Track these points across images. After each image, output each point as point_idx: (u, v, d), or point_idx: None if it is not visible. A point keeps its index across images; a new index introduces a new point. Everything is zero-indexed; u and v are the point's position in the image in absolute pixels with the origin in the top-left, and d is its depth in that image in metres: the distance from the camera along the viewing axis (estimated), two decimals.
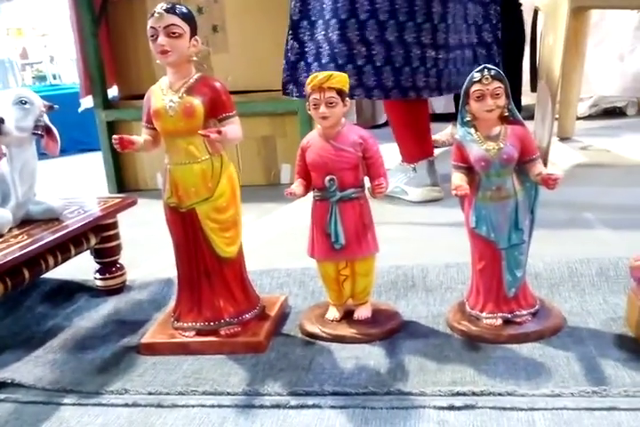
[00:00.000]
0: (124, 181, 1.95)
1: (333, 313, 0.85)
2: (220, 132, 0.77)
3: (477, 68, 0.77)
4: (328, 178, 0.81)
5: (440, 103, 2.54)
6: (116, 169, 1.93)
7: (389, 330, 0.82)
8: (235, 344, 0.80)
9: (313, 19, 1.43)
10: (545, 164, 1.67)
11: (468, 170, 0.80)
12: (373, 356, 0.76)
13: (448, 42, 1.42)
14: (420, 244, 1.18)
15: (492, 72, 0.76)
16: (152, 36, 0.79)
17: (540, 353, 0.74)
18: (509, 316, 0.79)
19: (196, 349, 0.81)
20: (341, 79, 0.80)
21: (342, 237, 0.81)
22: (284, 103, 1.74)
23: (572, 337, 0.77)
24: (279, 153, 1.84)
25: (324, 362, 0.76)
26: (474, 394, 0.66)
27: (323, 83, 0.79)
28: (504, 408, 0.64)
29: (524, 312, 0.80)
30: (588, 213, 1.29)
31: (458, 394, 0.66)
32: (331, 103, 0.79)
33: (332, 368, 0.74)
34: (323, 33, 1.41)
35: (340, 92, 0.80)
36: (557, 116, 2.09)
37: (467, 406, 0.65)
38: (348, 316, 0.86)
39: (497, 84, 0.75)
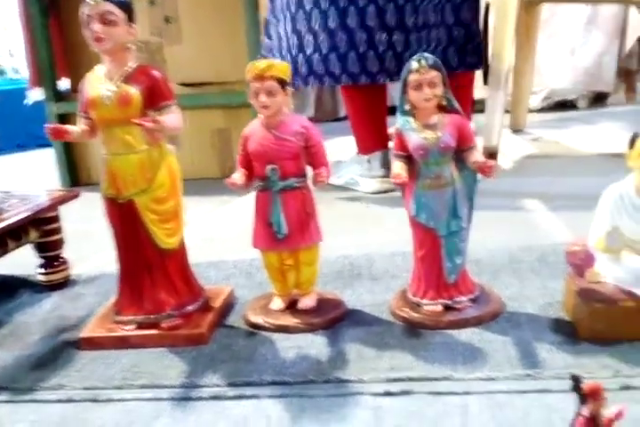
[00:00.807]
0: (77, 175, 1.91)
1: (278, 303, 0.85)
2: (156, 122, 0.75)
3: (414, 57, 0.77)
4: (270, 167, 0.80)
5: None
6: (68, 163, 1.88)
7: (333, 319, 0.82)
8: (176, 337, 0.79)
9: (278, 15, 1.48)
10: (496, 155, 1.70)
11: (408, 159, 0.80)
12: (315, 345, 0.77)
13: (405, 23, 1.40)
14: (371, 234, 1.19)
15: (430, 61, 0.76)
16: (87, 23, 0.77)
17: (479, 338, 0.75)
18: (449, 302, 0.81)
19: (136, 342, 0.80)
20: (282, 68, 0.80)
21: (285, 227, 0.81)
22: (239, 95, 1.71)
23: (510, 322, 0.79)
24: (234, 145, 1.83)
25: (265, 352, 0.75)
26: (410, 380, 0.67)
27: (263, 72, 0.78)
28: (439, 393, 0.65)
29: (464, 298, 0.81)
30: (534, 202, 1.32)
31: (394, 380, 0.67)
32: (271, 92, 0.78)
33: (274, 358, 0.74)
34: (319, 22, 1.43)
35: (280, 81, 0.79)
36: (510, 108, 2.14)
37: (403, 392, 0.65)
38: (293, 306, 0.85)
39: (434, 73, 0.76)
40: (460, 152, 0.79)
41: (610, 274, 0.74)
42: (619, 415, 0.49)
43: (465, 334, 0.76)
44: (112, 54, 0.78)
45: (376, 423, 0.61)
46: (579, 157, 1.72)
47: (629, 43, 2.52)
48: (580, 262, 0.78)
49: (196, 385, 0.69)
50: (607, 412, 0.49)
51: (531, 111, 2.45)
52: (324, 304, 0.85)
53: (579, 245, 0.78)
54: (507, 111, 2.15)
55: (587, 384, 0.47)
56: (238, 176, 0.81)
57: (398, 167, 0.79)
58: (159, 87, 0.79)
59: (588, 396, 0.47)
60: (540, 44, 2.23)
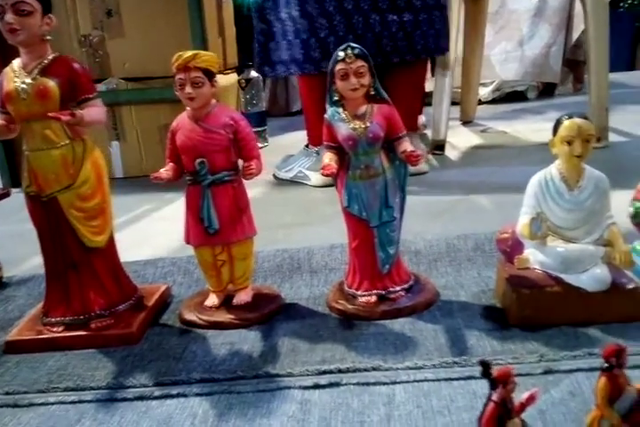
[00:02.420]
0: (18, 175, 1.85)
1: (212, 300, 0.84)
2: (73, 115, 0.73)
3: (341, 47, 0.76)
4: (198, 161, 0.78)
5: None
6: (8, 162, 1.82)
7: (268, 313, 0.81)
8: (106, 337, 0.77)
9: None
10: (443, 147, 1.72)
11: (339, 150, 0.79)
12: (248, 340, 0.75)
13: (362, 7, 1.40)
14: (316, 227, 1.18)
15: (356, 51, 0.75)
16: (0, 14, 0.74)
17: (411, 327, 0.75)
18: (384, 292, 0.80)
19: (65, 344, 0.77)
20: (208, 58, 0.78)
21: (216, 222, 0.79)
22: None
23: (443, 311, 0.79)
24: None
25: (196, 350, 0.74)
26: (340, 371, 0.67)
27: (188, 62, 0.76)
28: (367, 383, 0.64)
29: (398, 288, 0.81)
30: (477, 192, 1.33)
31: (324, 372, 0.67)
32: (197, 83, 0.77)
33: (204, 356, 0.72)
34: (286, 11, 1.42)
35: (206, 72, 0.77)
36: (459, 100, 2.16)
37: (331, 384, 0.65)
38: (229, 302, 0.84)
39: (360, 62, 0.75)
40: (389, 142, 0.79)
41: (536, 260, 0.75)
42: (530, 400, 0.49)
43: (398, 324, 0.76)
44: (28, 46, 0.75)
45: (302, 417, 0.60)
46: (524, 146, 1.75)
47: (576, 34, 2.57)
48: (509, 249, 0.78)
49: (121, 386, 0.67)
50: (520, 396, 0.49)
51: (481, 103, 2.48)
52: (260, 299, 0.84)
53: (507, 233, 0.79)
54: (456, 103, 2.18)
55: (496, 369, 0.48)
56: (165, 170, 0.79)
57: (328, 158, 0.78)
58: (79, 79, 0.77)
59: (497, 381, 0.47)
60: (489, 37, 2.26)
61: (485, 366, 0.47)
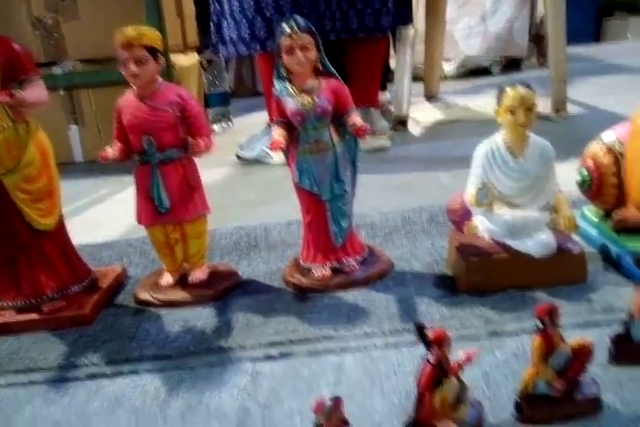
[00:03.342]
0: None
1: (167, 279, 0.83)
2: (12, 96, 0.71)
3: (286, 21, 0.76)
4: (145, 139, 0.77)
5: None
6: None
7: (223, 290, 0.81)
8: (59, 320, 0.77)
9: None
10: (405, 122, 1.72)
11: (289, 125, 0.79)
12: (202, 317, 0.76)
13: None
14: (277, 205, 1.18)
15: (301, 25, 0.75)
16: None
17: (364, 298, 0.76)
18: (338, 265, 0.81)
19: (17, 328, 0.76)
20: (151, 36, 0.77)
21: (166, 201, 0.79)
22: None
23: (396, 281, 0.80)
24: None
25: (150, 328, 0.74)
26: (291, 342, 0.67)
27: (131, 39, 0.75)
28: (318, 353, 0.65)
29: (352, 261, 0.82)
30: (437, 165, 1.34)
31: (275, 344, 0.67)
32: (141, 61, 0.75)
33: (158, 334, 0.73)
34: None
35: (150, 50, 0.76)
36: (423, 76, 2.16)
37: (282, 355, 0.65)
38: (185, 280, 0.84)
39: (306, 37, 0.75)
40: (338, 116, 0.78)
41: (484, 228, 0.76)
42: (467, 360, 0.50)
43: (352, 295, 0.77)
44: None
45: (253, 388, 0.61)
46: (486, 120, 1.75)
47: (541, 8, 2.58)
48: (459, 219, 0.79)
49: (73, 366, 0.67)
50: (456, 357, 0.50)
51: (446, 78, 2.49)
52: (215, 276, 0.84)
53: (457, 202, 0.80)
54: (420, 79, 2.18)
55: (431, 331, 0.49)
56: (111, 149, 0.78)
57: (277, 134, 0.78)
58: (19, 59, 0.75)
59: (432, 342, 0.48)
60: (451, 12, 2.26)
61: (420, 329, 0.48)
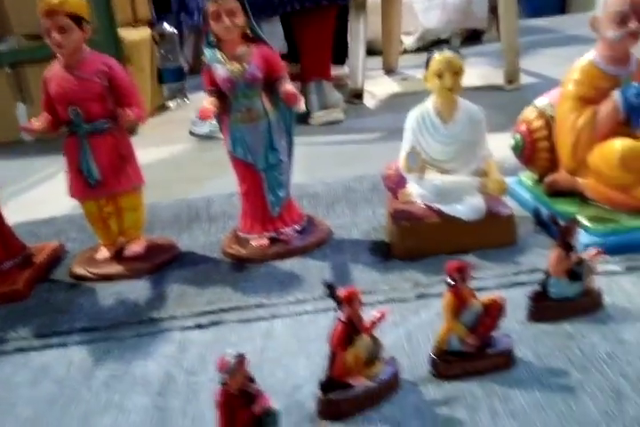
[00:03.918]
0: None
1: (103, 253, 0.83)
2: None
3: None
4: (71, 109, 0.76)
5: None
6: None
7: (160, 263, 0.81)
8: None
9: None
10: (360, 95, 1.71)
11: (221, 94, 0.78)
12: (137, 290, 0.75)
13: None
14: (224, 179, 1.17)
15: None
16: None
17: (300, 266, 0.76)
18: (275, 234, 0.81)
19: None
20: (74, 3, 0.74)
21: (96, 173, 0.77)
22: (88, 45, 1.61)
23: (334, 248, 0.80)
24: None
25: (84, 302, 0.73)
26: (222, 311, 0.68)
27: (53, 7, 0.73)
28: (248, 320, 0.66)
29: (289, 230, 0.82)
30: (390, 137, 1.33)
31: (206, 313, 0.67)
32: (64, 29, 0.73)
33: (91, 307, 0.72)
34: None
35: (75, 18, 0.74)
36: (382, 50, 2.14)
37: (213, 324, 0.65)
38: (122, 254, 0.83)
39: (232, 1, 0.73)
40: (270, 83, 0.78)
41: (417, 193, 0.77)
42: (380, 318, 0.51)
43: (289, 264, 0.77)
44: None
45: (180, 355, 0.61)
46: None
47: None
48: (394, 185, 0.80)
49: (1, 340, 0.66)
50: (370, 315, 0.51)
51: (406, 52, 2.47)
52: (153, 250, 0.84)
53: (392, 169, 0.80)
54: (381, 53, 2.17)
55: (342, 290, 0.49)
56: (37, 120, 0.76)
57: (207, 102, 0.77)
58: None
59: (343, 301, 0.49)
60: None
61: (330, 288, 0.49)
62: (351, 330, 0.49)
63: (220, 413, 0.43)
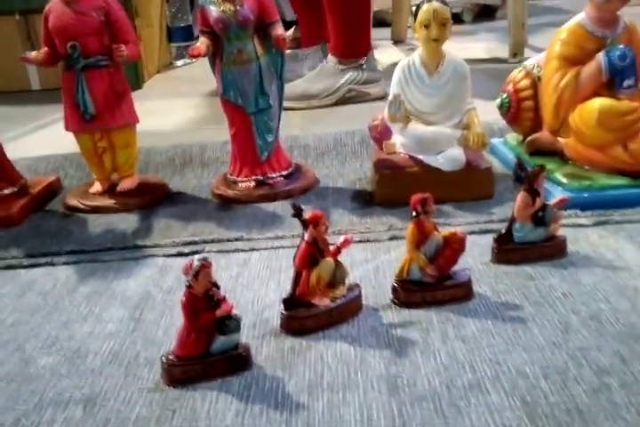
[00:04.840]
0: None
1: (96, 187, 0.86)
2: None
3: None
4: (70, 44, 0.78)
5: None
6: None
7: (151, 200, 0.84)
8: None
9: None
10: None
11: (214, 35, 0.80)
12: (127, 221, 0.79)
13: None
14: (220, 130, 1.19)
15: None
16: None
17: (283, 208, 0.79)
18: (262, 178, 0.84)
19: None
20: None
21: (92, 107, 0.80)
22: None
23: (318, 195, 0.83)
24: None
25: (74, 229, 0.77)
26: (204, 242, 0.71)
27: None
28: (228, 251, 0.69)
29: (276, 174, 0.84)
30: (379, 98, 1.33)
31: (189, 243, 0.71)
32: None
33: (80, 234, 0.76)
34: None
35: None
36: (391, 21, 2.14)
37: (193, 252, 0.69)
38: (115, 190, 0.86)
39: None
40: (262, 27, 0.79)
41: (400, 143, 0.79)
42: (345, 243, 0.54)
43: (273, 206, 0.80)
44: None
45: (159, 278, 0.64)
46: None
47: None
48: (379, 135, 0.82)
49: None
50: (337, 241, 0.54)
51: None
52: (145, 187, 0.87)
53: (378, 120, 0.82)
54: (390, 24, 2.17)
55: (308, 212, 0.52)
56: (35, 53, 0.79)
57: (200, 42, 0.79)
58: None
59: (308, 222, 0.51)
60: None
61: (297, 209, 0.52)
62: (315, 251, 0.52)
63: (184, 313, 0.46)
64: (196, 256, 0.46)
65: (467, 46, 1.99)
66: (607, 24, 0.76)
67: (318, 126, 1.12)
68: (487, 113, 0.87)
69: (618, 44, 0.75)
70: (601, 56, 0.75)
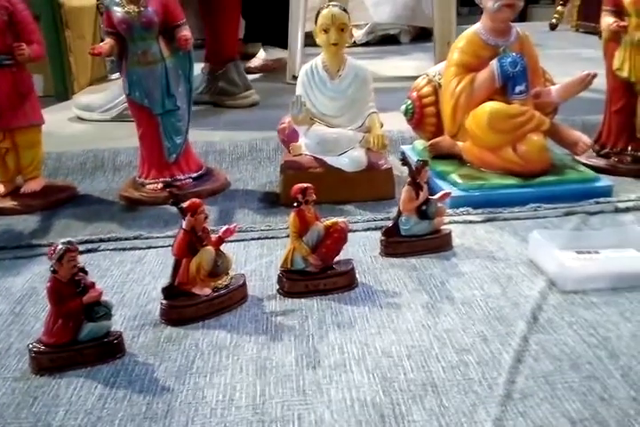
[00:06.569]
0: None
1: None
2: None
3: None
4: None
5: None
6: None
7: (55, 201, 0.83)
8: None
9: None
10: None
11: (119, 36, 0.80)
12: (26, 223, 0.77)
13: None
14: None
15: None
16: None
17: None
18: (170, 180, 0.84)
19: None
20: None
21: None
22: None
23: (227, 196, 0.84)
24: None
25: None
26: (101, 241, 0.70)
27: None
28: (124, 249, 0.69)
29: (184, 177, 0.85)
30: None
31: (86, 242, 0.70)
32: None
33: None
34: None
35: None
36: None
37: (89, 250, 0.68)
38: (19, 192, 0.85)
39: None
40: (168, 29, 0.80)
41: (304, 144, 0.81)
42: (226, 232, 0.55)
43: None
44: None
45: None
46: (378, 78, 1.82)
47: None
48: (286, 138, 0.84)
49: None
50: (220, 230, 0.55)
51: (355, 45, 2.53)
52: (50, 189, 0.85)
53: (285, 123, 0.84)
54: None
55: (186, 202, 0.52)
56: None
57: (104, 42, 0.79)
58: None
59: (186, 210, 0.52)
60: None
61: (175, 198, 0.52)
62: (194, 239, 0.52)
63: (49, 299, 0.46)
64: (61, 240, 0.45)
65: (399, 65, 2.08)
66: (500, 33, 0.80)
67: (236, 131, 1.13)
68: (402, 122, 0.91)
69: (510, 52, 0.80)
70: (494, 63, 0.79)
